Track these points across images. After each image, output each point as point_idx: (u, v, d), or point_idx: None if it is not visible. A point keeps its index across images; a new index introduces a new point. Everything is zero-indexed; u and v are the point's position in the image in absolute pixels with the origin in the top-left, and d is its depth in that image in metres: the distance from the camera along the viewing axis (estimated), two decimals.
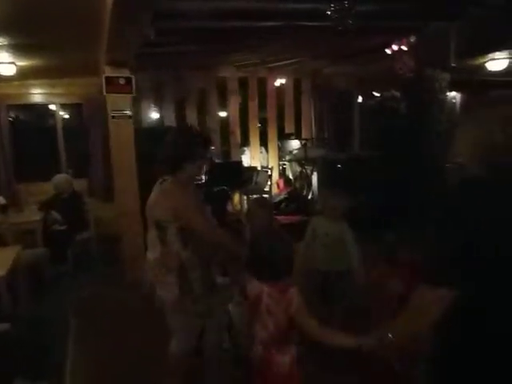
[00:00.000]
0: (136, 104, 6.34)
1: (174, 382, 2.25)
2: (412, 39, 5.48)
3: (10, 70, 4.72)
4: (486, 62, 5.64)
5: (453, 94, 8.00)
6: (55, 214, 4.65)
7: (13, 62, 4.68)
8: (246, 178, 6.56)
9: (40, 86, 6.00)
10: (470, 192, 1.23)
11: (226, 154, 7.28)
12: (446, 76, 5.46)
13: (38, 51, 4.39)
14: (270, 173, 6.75)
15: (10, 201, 5.05)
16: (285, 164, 7.38)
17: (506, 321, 1.19)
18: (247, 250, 1.80)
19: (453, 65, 5.37)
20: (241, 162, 6.77)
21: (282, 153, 7.42)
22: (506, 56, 5.29)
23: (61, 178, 4.96)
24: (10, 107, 6.23)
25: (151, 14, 2.57)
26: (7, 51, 4.37)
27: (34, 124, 7.26)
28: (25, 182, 5.93)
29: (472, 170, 1.30)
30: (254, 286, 1.71)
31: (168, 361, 2.25)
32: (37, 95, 6.11)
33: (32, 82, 5.85)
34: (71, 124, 6.88)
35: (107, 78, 3.97)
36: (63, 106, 6.49)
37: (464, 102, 8.02)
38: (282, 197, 6.79)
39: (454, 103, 8.15)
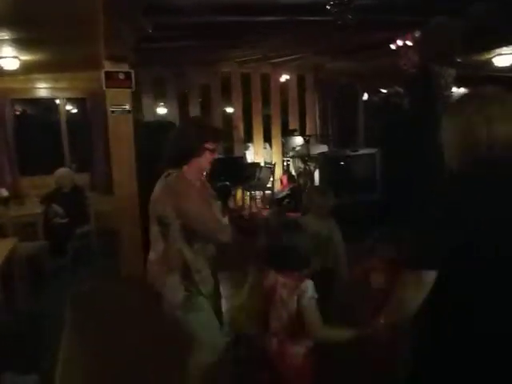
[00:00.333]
0: (138, 99, 6.38)
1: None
2: (417, 34, 5.40)
3: (13, 64, 4.75)
4: (492, 58, 5.54)
5: (461, 90, 7.91)
6: (56, 208, 4.69)
7: (16, 56, 4.71)
8: (248, 173, 6.56)
9: (44, 80, 6.03)
10: (454, 188, 1.26)
11: (230, 149, 7.28)
12: (452, 72, 5.37)
13: (40, 45, 4.42)
14: (272, 169, 6.72)
15: (13, 193, 5.11)
16: (288, 160, 7.36)
17: (494, 316, 1.20)
18: (265, 241, 1.83)
19: (458, 60, 5.28)
20: (242, 157, 6.77)
21: (285, 149, 7.40)
22: None
23: (62, 171, 5.00)
24: (15, 101, 6.29)
25: (142, 7, 2.56)
26: (10, 45, 4.40)
27: (38, 118, 7.34)
28: (28, 175, 5.99)
29: (456, 165, 1.31)
30: (270, 277, 1.74)
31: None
32: (41, 89, 6.16)
33: (36, 76, 5.89)
34: (75, 118, 6.93)
35: (107, 73, 3.98)
36: (67, 101, 6.53)
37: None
38: (284, 193, 6.78)
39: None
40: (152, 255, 2.02)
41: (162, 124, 5.51)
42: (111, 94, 4.05)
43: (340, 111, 7.40)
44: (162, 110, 6.95)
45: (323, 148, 6.48)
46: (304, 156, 6.45)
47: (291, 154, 7.05)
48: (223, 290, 2.24)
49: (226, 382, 2.34)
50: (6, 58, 4.62)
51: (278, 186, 7.13)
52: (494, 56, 5.47)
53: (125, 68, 4.06)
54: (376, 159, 5.39)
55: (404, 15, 4.41)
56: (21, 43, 4.32)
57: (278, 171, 7.29)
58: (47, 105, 6.80)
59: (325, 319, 1.65)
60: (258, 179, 6.64)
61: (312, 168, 6.40)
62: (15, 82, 5.71)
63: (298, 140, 7.11)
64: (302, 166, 6.70)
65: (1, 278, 2.89)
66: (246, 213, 6.54)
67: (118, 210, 4.35)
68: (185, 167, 1.97)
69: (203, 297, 1.97)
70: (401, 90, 6.02)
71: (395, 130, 5.28)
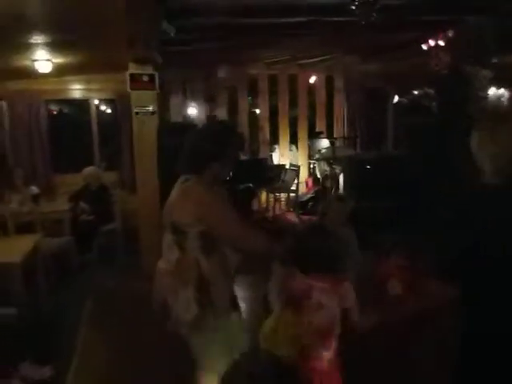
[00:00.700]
0: (166, 100, 6.49)
1: None
2: (449, 34, 5.21)
3: (46, 67, 4.95)
4: None
5: (501, 91, 7.53)
6: (83, 205, 4.84)
7: (49, 59, 4.90)
8: (272, 175, 6.52)
9: (77, 81, 6.24)
10: (489, 200, 1.27)
11: (255, 151, 7.27)
12: (487, 73, 5.14)
13: (70, 48, 4.57)
14: (297, 171, 6.66)
15: (45, 191, 5.32)
16: (314, 163, 7.27)
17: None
18: (294, 245, 1.78)
19: (494, 61, 5.05)
20: (266, 159, 6.74)
21: (311, 151, 7.31)
22: None
23: (90, 170, 5.16)
24: (49, 102, 6.54)
25: (163, 10, 2.59)
26: (43, 49, 4.58)
27: (71, 118, 7.62)
28: (61, 172, 6.22)
29: (491, 180, 1.32)
30: (300, 282, 1.69)
31: None
32: (74, 91, 6.37)
33: (69, 78, 6.11)
34: (106, 119, 7.14)
35: (131, 75, 4.07)
36: (99, 101, 6.74)
37: None
38: (308, 196, 6.70)
39: (502, 101, 7.65)
40: (162, 265, 1.87)
41: (184, 125, 5.57)
42: (136, 95, 4.14)
43: (368, 113, 7.24)
44: (190, 111, 7.03)
45: (349, 151, 6.36)
46: (329, 159, 6.35)
47: (317, 156, 6.96)
48: (243, 305, 2.08)
49: None
50: (39, 60, 4.81)
51: (303, 189, 7.05)
52: None
53: (149, 70, 4.14)
54: (403, 163, 5.22)
55: (433, 15, 4.26)
56: (53, 46, 4.48)
57: (304, 174, 7.22)
58: (80, 105, 7.04)
59: None
60: (283, 181, 6.60)
61: (337, 171, 6.29)
62: (49, 84, 5.94)
63: (324, 142, 7.01)
64: (327, 168, 6.60)
65: (23, 273, 2.99)
66: (269, 215, 6.51)
67: (140, 208, 4.44)
68: (203, 173, 1.85)
69: (218, 315, 1.81)
70: (431, 91, 5.82)
71: (423, 133, 5.10)
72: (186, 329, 1.81)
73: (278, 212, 6.69)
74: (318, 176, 7.12)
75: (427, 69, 5.37)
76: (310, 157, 7.36)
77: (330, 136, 7.23)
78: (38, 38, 4.21)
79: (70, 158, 6.52)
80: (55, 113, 7.42)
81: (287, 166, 6.92)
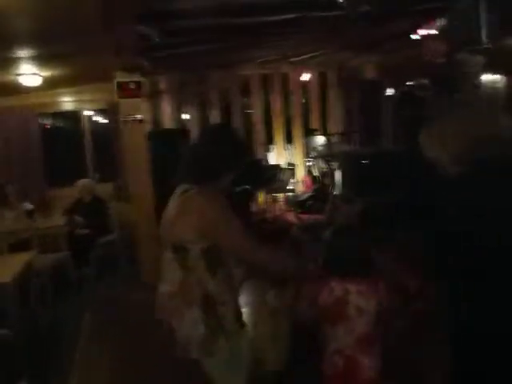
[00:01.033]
0: (158, 106, 6.43)
1: None
2: (439, 21, 5.12)
3: (34, 81, 4.88)
4: None
5: (496, 77, 7.43)
6: (78, 219, 4.78)
7: (36, 73, 4.84)
8: (269, 176, 6.45)
9: (68, 93, 6.20)
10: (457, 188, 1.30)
11: (251, 152, 7.19)
12: (480, 59, 5.05)
13: (57, 60, 4.51)
14: (293, 170, 6.58)
15: (40, 206, 5.25)
16: (311, 161, 7.19)
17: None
18: (326, 250, 1.72)
19: (486, 46, 4.96)
20: (261, 159, 6.66)
21: (308, 149, 7.23)
22: None
23: (83, 182, 5.10)
24: (41, 115, 6.49)
25: (139, 16, 2.52)
26: (29, 62, 4.52)
27: (65, 130, 7.56)
28: (56, 186, 6.16)
29: (455, 166, 1.34)
30: (334, 289, 1.62)
31: None
32: (65, 103, 6.33)
33: (61, 90, 6.06)
34: (99, 129, 7.07)
35: (118, 83, 4.00)
36: (91, 112, 6.68)
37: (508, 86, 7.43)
38: (307, 195, 6.61)
39: (496, 88, 7.56)
40: (165, 288, 1.71)
41: (172, 132, 5.50)
42: (123, 103, 4.07)
43: (364, 108, 7.16)
44: (183, 117, 6.96)
45: (345, 147, 6.27)
46: (326, 156, 6.27)
47: (313, 154, 6.88)
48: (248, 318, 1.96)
49: None
50: (25, 75, 4.75)
51: (301, 188, 6.97)
52: None
53: (137, 77, 4.07)
54: (400, 157, 5.13)
55: (423, 3, 4.18)
56: (39, 60, 4.42)
57: (301, 172, 7.14)
58: (73, 117, 6.98)
59: None
60: (280, 181, 6.52)
61: (335, 168, 6.21)
62: (40, 97, 5.89)
63: (320, 140, 6.92)
64: (324, 166, 6.52)
65: (16, 292, 2.93)
66: (268, 216, 6.43)
67: (136, 218, 4.37)
68: (206, 184, 1.70)
69: (227, 334, 1.67)
70: (425, 81, 5.73)
71: (418, 125, 5.00)
72: (195, 352, 1.68)
73: (277, 212, 6.61)
74: (316, 174, 7.04)
75: (420, 59, 5.28)
76: (307, 155, 7.28)
77: (325, 133, 7.14)
78: (22, 52, 4.15)
79: (64, 171, 6.46)
80: (48, 127, 7.35)
81: (284, 166, 6.84)
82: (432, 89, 5.51)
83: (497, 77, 7.32)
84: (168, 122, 6.57)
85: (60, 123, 7.60)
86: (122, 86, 4.01)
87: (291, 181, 6.49)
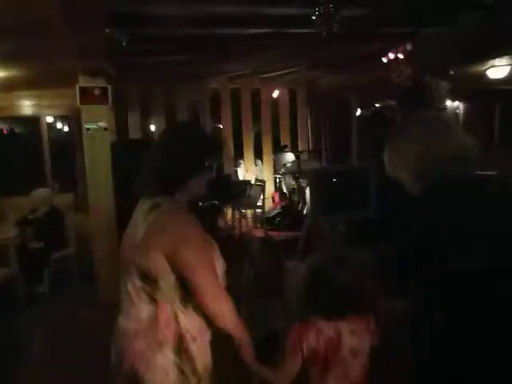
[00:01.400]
0: (124, 116, 6.21)
1: None
2: (409, 46, 5.27)
3: None
4: (486, 70, 5.39)
5: (456, 103, 7.75)
6: (31, 231, 4.44)
7: None
8: (238, 191, 6.33)
9: (27, 97, 5.87)
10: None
11: (220, 167, 7.07)
12: (446, 84, 5.22)
13: (13, 60, 4.24)
14: (263, 186, 6.50)
15: None
16: (280, 177, 7.16)
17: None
18: (307, 290, 1.49)
19: (451, 72, 5.14)
20: (230, 175, 6.56)
21: (277, 166, 7.20)
22: (506, 63, 5.04)
23: (39, 192, 4.77)
24: None
25: (104, 18, 2.36)
26: None
27: (22, 136, 7.17)
28: (8, 195, 5.75)
29: (409, 184, 1.37)
30: (322, 330, 1.42)
31: None
32: (24, 107, 5.99)
33: (19, 93, 5.73)
34: (59, 137, 6.75)
35: (81, 88, 3.79)
36: (51, 118, 6.36)
37: (467, 112, 7.79)
38: (275, 211, 6.54)
39: (457, 113, 7.89)
40: (129, 325, 1.42)
41: (142, 142, 5.30)
42: (86, 110, 3.85)
43: (333, 126, 7.24)
44: (149, 128, 6.77)
45: (315, 164, 6.27)
46: (295, 172, 6.24)
47: (282, 170, 6.85)
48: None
49: None
50: None
51: (269, 204, 6.89)
52: (488, 68, 5.31)
53: (101, 83, 3.87)
54: (369, 175, 5.16)
55: (393, 27, 4.27)
56: None
57: (270, 189, 7.08)
58: (31, 122, 6.63)
59: None
60: (249, 197, 6.41)
61: (304, 185, 6.19)
62: None
63: (290, 156, 6.91)
64: (293, 182, 6.48)
65: None
66: (235, 232, 6.29)
67: (94, 232, 4.11)
68: (177, 193, 1.43)
69: (200, 378, 1.42)
70: (393, 103, 5.86)
71: (385, 144, 5.06)
72: None
73: (244, 229, 6.48)
74: (285, 191, 7.00)
75: (390, 81, 5.39)
76: (276, 171, 7.24)
77: (294, 150, 7.15)
78: None
79: (20, 179, 6.06)
80: (11, 130, 6.94)
81: (252, 182, 6.76)
82: (399, 110, 5.64)
83: (459, 102, 7.63)
84: (133, 132, 6.35)
85: (18, 128, 7.19)
86: (85, 92, 3.79)
87: (261, 197, 6.40)
